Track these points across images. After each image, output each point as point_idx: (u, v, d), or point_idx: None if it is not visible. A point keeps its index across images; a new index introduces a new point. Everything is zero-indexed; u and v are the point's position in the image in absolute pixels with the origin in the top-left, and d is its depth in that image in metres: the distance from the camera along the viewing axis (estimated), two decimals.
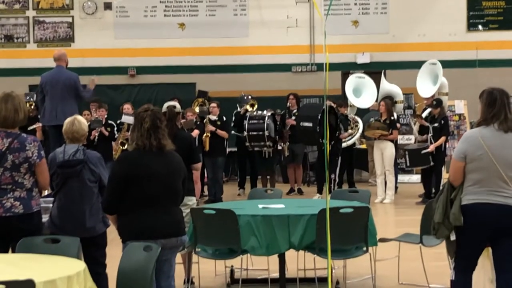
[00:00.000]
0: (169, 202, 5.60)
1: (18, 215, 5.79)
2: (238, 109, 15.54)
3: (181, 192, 5.73)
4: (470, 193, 5.77)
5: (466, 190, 5.79)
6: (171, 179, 5.60)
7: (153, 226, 5.48)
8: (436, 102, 14.37)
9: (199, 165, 7.90)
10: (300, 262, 7.73)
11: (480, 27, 19.69)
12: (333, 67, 18.21)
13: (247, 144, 14.73)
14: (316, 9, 19.06)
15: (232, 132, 15.21)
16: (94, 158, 6.41)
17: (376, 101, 15.68)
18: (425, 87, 15.33)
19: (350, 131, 15.47)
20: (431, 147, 13.84)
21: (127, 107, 14.68)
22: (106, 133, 14.05)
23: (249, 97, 15.48)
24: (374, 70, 18.13)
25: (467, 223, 5.73)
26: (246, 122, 14.70)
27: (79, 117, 6.63)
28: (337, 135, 14.27)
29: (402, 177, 16.95)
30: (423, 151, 13.87)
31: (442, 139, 13.97)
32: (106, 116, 14.39)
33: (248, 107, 15.20)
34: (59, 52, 11.81)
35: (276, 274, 7.49)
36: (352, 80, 16.31)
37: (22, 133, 5.96)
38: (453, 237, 5.81)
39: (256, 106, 15.27)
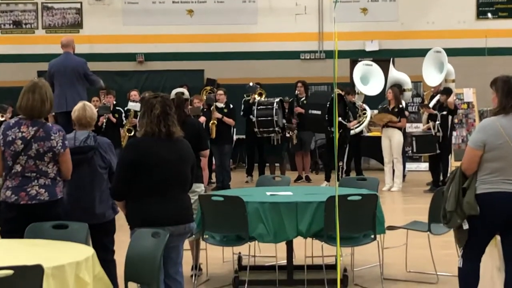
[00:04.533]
0: (178, 189, 5.59)
1: (44, 202, 5.77)
2: (246, 97, 15.52)
3: (190, 179, 5.72)
4: (485, 182, 5.72)
5: (482, 179, 5.74)
6: (180, 166, 5.58)
7: (161, 213, 5.46)
8: (444, 89, 14.35)
9: (207, 151, 7.90)
10: (307, 249, 7.73)
11: (489, 15, 19.61)
12: (342, 54, 18.14)
13: (256, 130, 14.70)
14: None
15: (242, 113, 15.17)
16: (104, 145, 6.41)
17: (384, 88, 15.65)
18: (431, 75, 15.31)
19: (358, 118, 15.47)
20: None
21: (134, 93, 14.70)
22: (114, 120, 14.06)
23: (257, 86, 15.45)
24: (383, 58, 18.10)
25: (482, 212, 5.69)
26: (255, 108, 14.67)
27: (87, 102, 6.64)
28: (345, 122, 14.26)
29: (410, 165, 16.93)
30: (431, 133, 13.89)
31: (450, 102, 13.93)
32: (114, 102, 14.40)
33: (256, 96, 15.16)
34: (67, 38, 11.76)
35: (283, 261, 7.51)
36: (360, 67, 16.29)
37: (47, 122, 5.95)
38: (465, 226, 5.76)
39: (264, 95, 15.24)
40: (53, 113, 11.14)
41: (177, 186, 5.58)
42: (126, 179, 5.49)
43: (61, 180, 5.95)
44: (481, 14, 19.60)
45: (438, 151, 13.90)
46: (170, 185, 5.52)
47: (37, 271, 4.12)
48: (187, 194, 5.75)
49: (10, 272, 4.01)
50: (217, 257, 8.20)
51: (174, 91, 7.86)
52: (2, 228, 5.93)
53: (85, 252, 4.80)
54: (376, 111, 15.35)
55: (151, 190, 5.47)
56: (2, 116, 14.35)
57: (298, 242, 7.42)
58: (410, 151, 15.49)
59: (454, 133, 14.86)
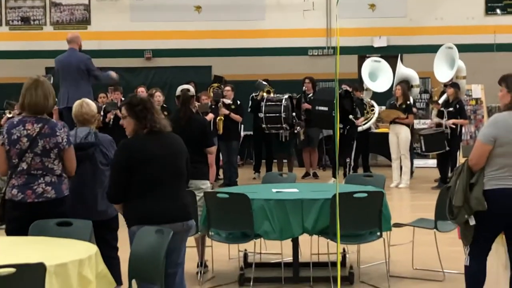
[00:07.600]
0: (174, 185, 5.46)
1: (50, 200, 5.76)
2: (254, 94, 15.48)
3: (186, 173, 5.62)
4: (494, 178, 5.70)
5: (490, 175, 5.71)
6: (173, 160, 5.47)
7: (158, 211, 5.35)
8: (452, 83, 14.34)
9: (214, 148, 7.89)
10: (313, 247, 7.71)
11: (498, 11, 19.53)
12: (350, 50, 18.13)
13: (264, 126, 14.66)
14: None
15: (249, 109, 15.14)
16: (106, 141, 6.41)
17: (392, 85, 15.60)
18: (442, 71, 15.26)
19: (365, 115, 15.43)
20: (451, 121, 13.74)
21: (141, 90, 14.64)
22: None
23: (266, 84, 15.39)
24: (391, 54, 18.04)
25: (489, 208, 5.66)
26: (263, 103, 14.63)
27: (86, 99, 6.63)
28: (353, 119, 14.22)
29: (418, 162, 16.86)
30: (439, 131, 13.83)
31: (463, 121, 13.93)
32: (121, 98, 14.38)
33: (264, 94, 15.09)
34: (72, 34, 11.69)
35: (289, 258, 7.49)
36: (368, 64, 16.25)
37: (51, 118, 5.94)
38: (472, 222, 5.72)
39: (272, 93, 15.16)
40: (57, 107, 11.06)
41: (173, 181, 5.45)
42: (121, 182, 5.38)
43: (67, 177, 5.94)
44: (489, 10, 19.51)
45: (447, 148, 13.84)
46: (165, 181, 5.39)
47: (39, 269, 4.11)
48: (185, 191, 5.67)
49: (13, 270, 4.01)
50: (223, 254, 8.18)
51: (179, 88, 7.86)
52: (8, 227, 5.92)
53: (88, 249, 4.79)
54: (384, 108, 15.31)
55: (146, 188, 5.35)
56: (10, 113, 14.35)
57: (304, 239, 7.40)
58: (419, 150, 15.44)
59: (463, 130, 14.78)
